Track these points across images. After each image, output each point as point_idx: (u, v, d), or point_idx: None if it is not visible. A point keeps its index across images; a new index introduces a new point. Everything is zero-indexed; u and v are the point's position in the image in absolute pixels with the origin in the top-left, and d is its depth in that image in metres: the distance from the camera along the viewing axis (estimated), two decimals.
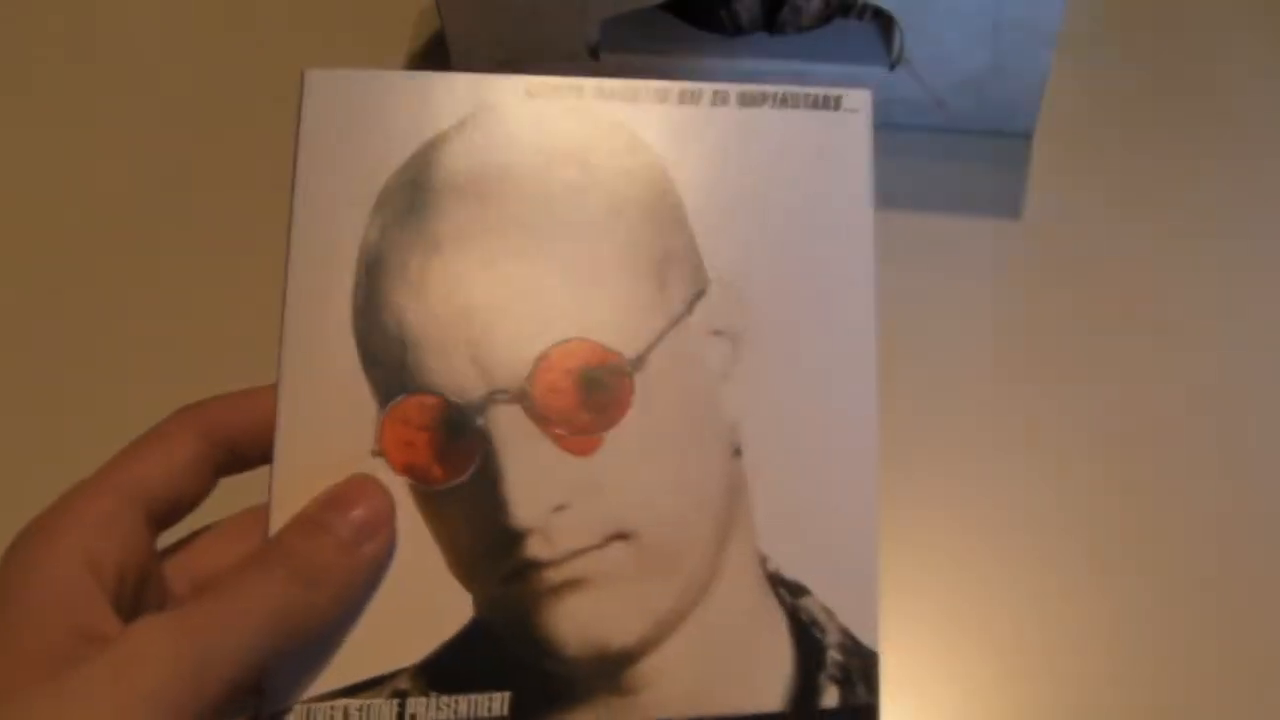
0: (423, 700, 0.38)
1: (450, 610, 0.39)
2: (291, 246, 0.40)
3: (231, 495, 0.40)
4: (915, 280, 0.66)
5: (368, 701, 0.38)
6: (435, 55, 0.74)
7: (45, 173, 0.72)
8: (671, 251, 0.40)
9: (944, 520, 0.59)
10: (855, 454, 0.41)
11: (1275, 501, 0.60)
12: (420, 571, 0.38)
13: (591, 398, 0.39)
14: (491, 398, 0.39)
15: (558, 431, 0.39)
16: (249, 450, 0.39)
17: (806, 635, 0.40)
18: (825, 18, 0.71)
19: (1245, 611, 0.57)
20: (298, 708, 0.38)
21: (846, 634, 0.40)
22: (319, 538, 0.37)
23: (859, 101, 0.42)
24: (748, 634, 0.40)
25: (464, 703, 0.38)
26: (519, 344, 0.39)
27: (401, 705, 0.38)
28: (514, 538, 0.39)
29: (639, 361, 0.40)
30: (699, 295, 0.40)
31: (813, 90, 0.42)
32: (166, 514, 0.38)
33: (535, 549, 0.39)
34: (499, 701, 0.38)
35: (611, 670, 0.39)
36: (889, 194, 0.67)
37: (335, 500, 0.38)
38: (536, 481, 0.39)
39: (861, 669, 0.40)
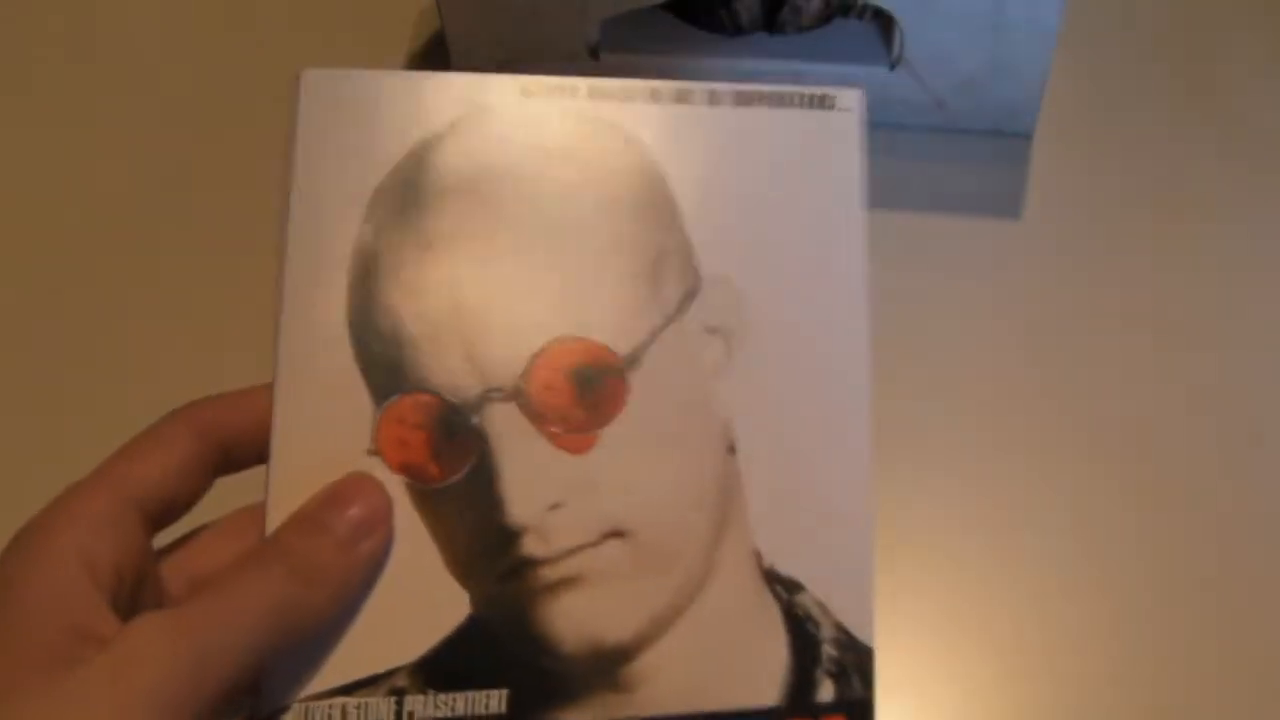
0: (420, 698, 0.38)
1: (447, 608, 0.39)
2: (286, 246, 0.40)
3: (228, 495, 0.40)
4: (915, 280, 0.66)
5: (365, 700, 0.38)
6: (435, 55, 0.74)
7: (45, 173, 0.72)
8: (665, 250, 0.41)
9: (944, 520, 0.59)
10: (849, 450, 0.41)
11: (1275, 501, 0.60)
12: (417, 570, 0.39)
13: (586, 396, 0.39)
14: (487, 396, 0.39)
15: (553, 430, 0.39)
16: (245, 450, 0.39)
17: (802, 630, 0.40)
18: (825, 18, 0.71)
19: (1245, 611, 0.57)
20: (295, 706, 0.38)
21: (841, 629, 0.40)
22: (316, 536, 0.37)
23: (851, 101, 0.42)
24: (743, 630, 0.40)
25: (461, 700, 0.38)
26: (514, 342, 0.40)
27: (399, 703, 0.38)
28: (510, 536, 0.39)
29: (633, 359, 0.40)
30: (692, 293, 0.40)
31: (805, 89, 0.42)
32: (163, 514, 0.38)
33: (531, 547, 0.39)
34: (496, 699, 0.38)
35: (608, 667, 0.39)
36: (889, 194, 0.68)
37: (332, 498, 0.38)
38: (532, 479, 0.39)
39: (856, 664, 0.40)
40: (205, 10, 0.79)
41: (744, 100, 0.42)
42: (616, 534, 0.39)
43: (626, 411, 0.40)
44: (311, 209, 0.40)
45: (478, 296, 0.40)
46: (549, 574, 0.39)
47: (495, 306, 0.40)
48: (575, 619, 0.39)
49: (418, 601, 0.38)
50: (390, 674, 0.38)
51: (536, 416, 0.39)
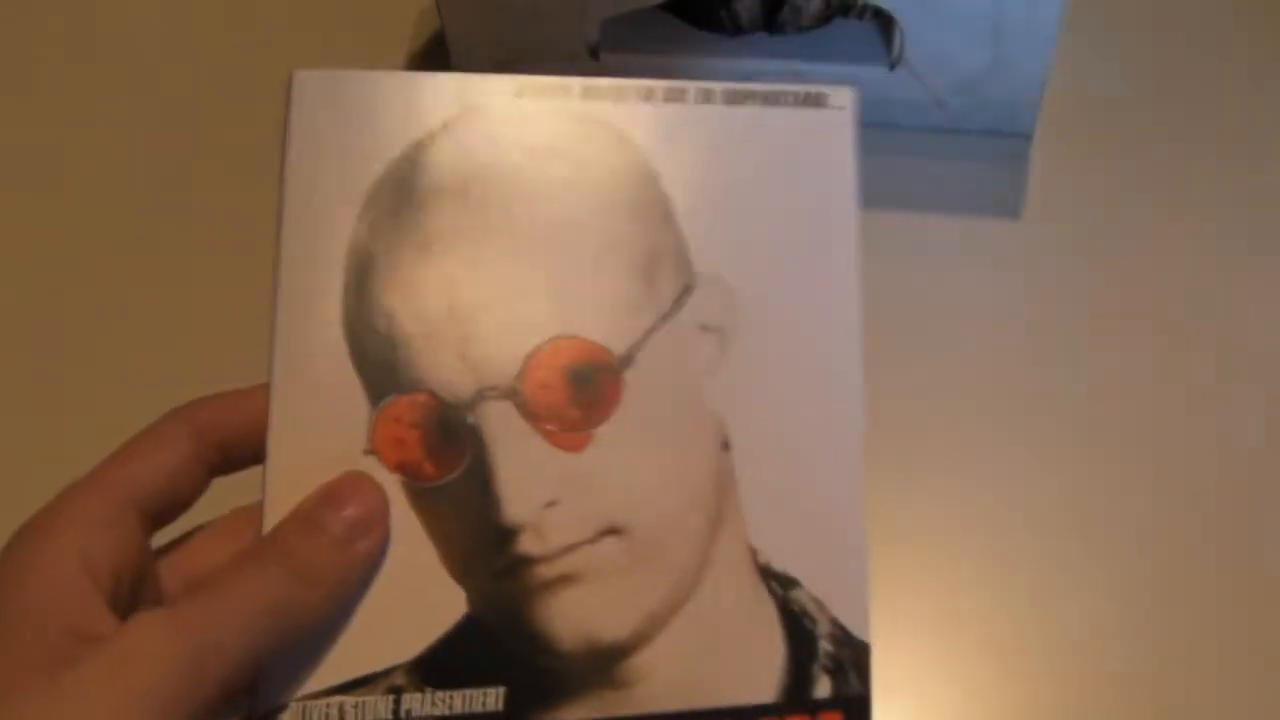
0: (418, 696, 0.38)
1: (444, 607, 0.39)
2: (281, 247, 0.40)
3: (225, 495, 0.40)
4: (915, 280, 0.66)
5: (363, 698, 0.38)
6: (435, 55, 0.74)
7: (45, 173, 0.72)
8: (659, 248, 0.41)
9: (944, 519, 0.59)
10: (843, 446, 0.41)
11: (1275, 501, 0.60)
12: (413, 568, 0.39)
13: (581, 394, 0.40)
14: (482, 395, 0.39)
15: (548, 428, 0.39)
16: (242, 450, 0.39)
17: (798, 626, 0.40)
18: (825, 18, 0.71)
19: (1245, 611, 0.57)
20: (293, 705, 0.38)
21: (837, 625, 0.40)
22: (313, 535, 0.37)
23: (844, 99, 0.42)
24: (739, 626, 0.40)
25: (459, 698, 0.38)
26: (509, 341, 0.40)
27: (397, 702, 0.38)
28: (506, 534, 0.39)
29: (628, 358, 0.40)
30: (686, 291, 0.41)
31: (798, 88, 0.42)
32: (160, 514, 0.38)
33: (527, 545, 0.39)
34: (494, 697, 0.38)
35: (605, 664, 0.39)
36: (889, 194, 0.68)
37: (329, 497, 0.38)
38: (528, 478, 0.39)
39: (853, 659, 0.40)
40: (205, 10, 0.79)
41: (736, 99, 0.42)
42: (612, 531, 0.39)
43: (621, 409, 0.40)
44: (305, 210, 0.40)
45: (473, 296, 0.40)
46: (545, 572, 0.39)
47: (490, 306, 0.40)
48: (572, 616, 0.39)
49: (414, 600, 0.38)
50: (387, 672, 0.38)
51: (532, 415, 0.39)
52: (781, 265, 0.41)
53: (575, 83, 0.41)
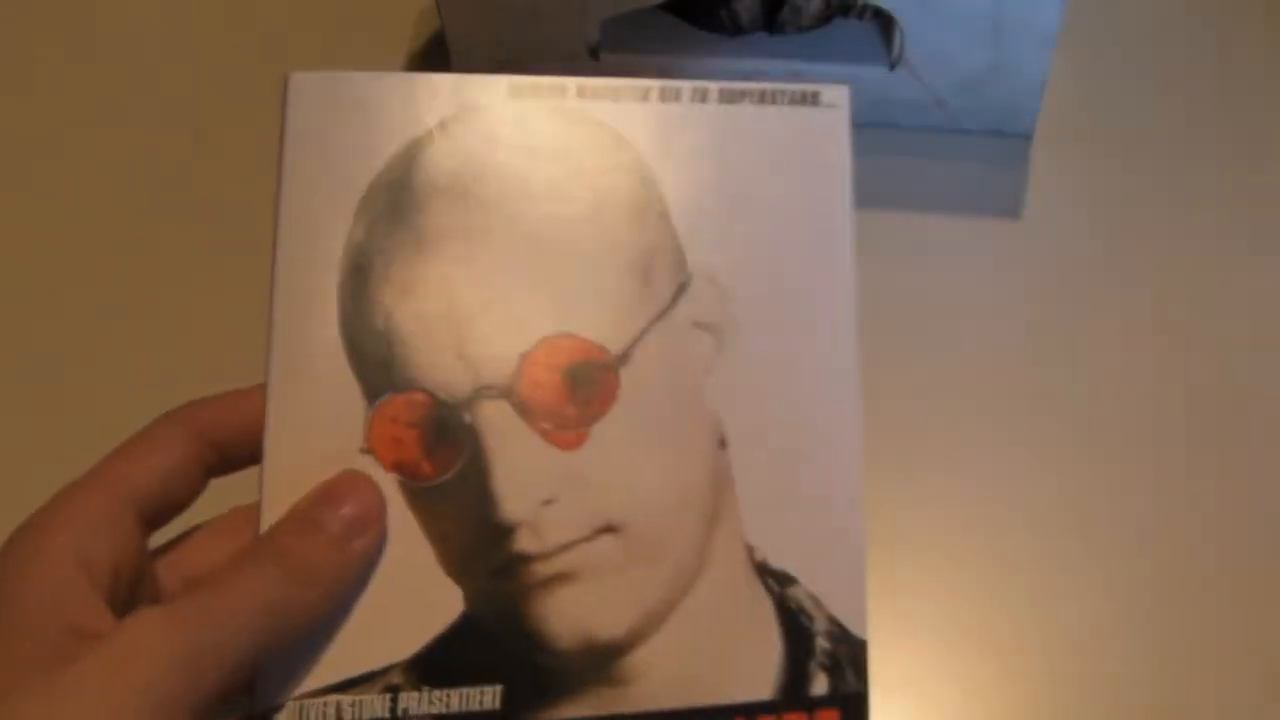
0: (415, 695, 0.38)
1: (441, 605, 0.39)
2: (278, 248, 0.40)
3: (222, 495, 0.40)
4: (915, 280, 0.66)
5: (360, 697, 0.38)
6: (435, 55, 0.74)
7: (45, 173, 0.72)
8: (654, 247, 0.41)
9: (944, 520, 0.59)
10: (839, 443, 0.41)
11: (1275, 501, 0.60)
12: (410, 567, 0.39)
13: (577, 392, 0.40)
14: (478, 394, 0.39)
15: (544, 426, 0.39)
16: (239, 451, 0.39)
17: (795, 624, 0.40)
18: (825, 18, 0.71)
19: (1245, 611, 0.57)
20: (290, 704, 0.38)
21: (834, 622, 0.40)
22: (310, 534, 0.37)
23: (838, 97, 0.42)
24: (736, 623, 0.40)
25: (456, 697, 0.38)
26: (505, 341, 0.40)
27: (393, 700, 0.38)
28: (503, 532, 0.39)
29: (624, 356, 0.40)
30: (682, 289, 0.41)
31: (791, 86, 0.42)
32: (158, 513, 0.38)
33: (524, 543, 0.39)
34: (490, 695, 0.38)
35: (602, 662, 0.39)
36: (889, 194, 0.68)
37: (326, 496, 0.38)
38: (524, 476, 0.39)
39: (850, 657, 0.40)
40: (205, 10, 0.79)
41: (731, 97, 0.42)
42: (609, 529, 0.39)
43: (617, 407, 0.40)
44: (302, 210, 0.40)
45: (469, 295, 0.40)
46: (542, 570, 0.39)
47: (486, 305, 0.40)
48: (568, 614, 0.39)
49: (411, 599, 0.38)
50: (385, 671, 0.38)
51: (528, 414, 0.39)
52: (777, 263, 0.41)
53: (571, 82, 0.41)
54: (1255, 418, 0.62)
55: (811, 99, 0.42)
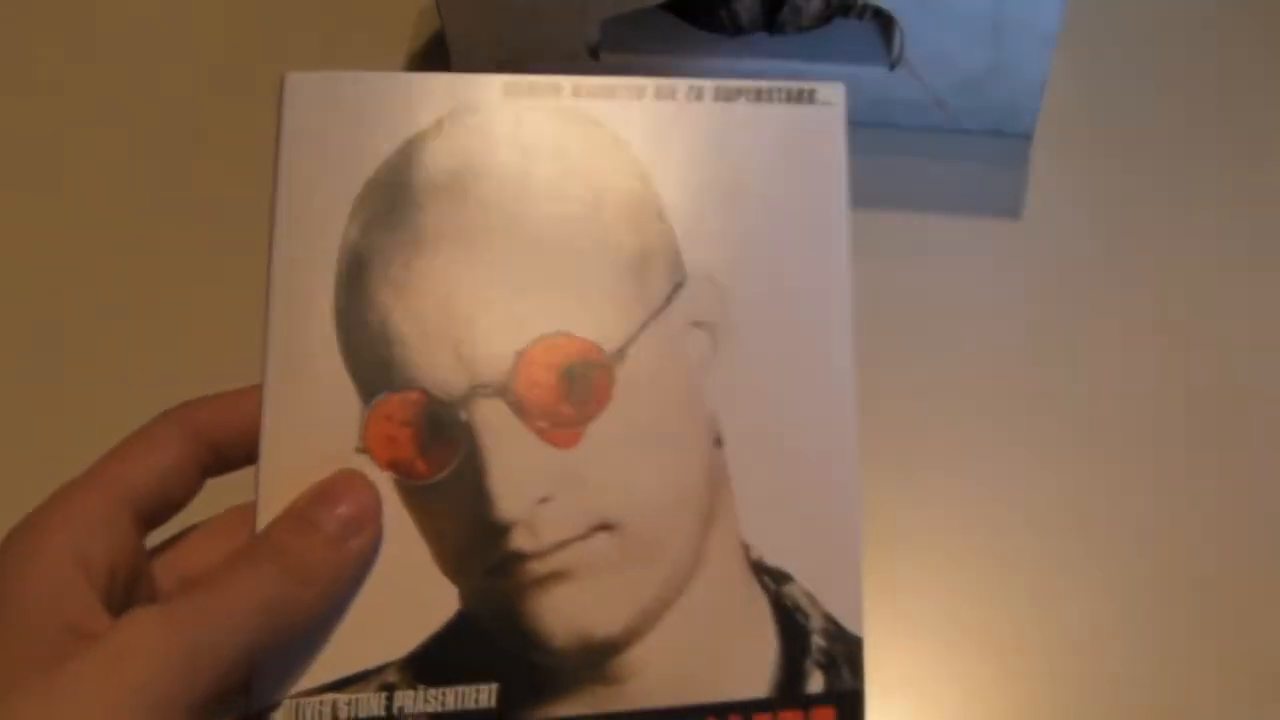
0: (410, 693, 0.38)
1: (437, 603, 0.39)
2: (274, 247, 0.40)
3: (219, 495, 0.40)
4: (915, 280, 0.66)
5: (355, 695, 0.38)
6: (435, 55, 0.74)
7: (45, 172, 0.72)
8: (650, 246, 0.41)
9: (944, 520, 0.59)
10: (836, 441, 0.41)
11: (1275, 501, 0.59)
12: (406, 566, 0.39)
13: (573, 391, 0.40)
14: (474, 392, 0.39)
15: (540, 425, 0.39)
16: (235, 450, 0.40)
17: (791, 622, 0.40)
18: (825, 18, 0.71)
19: (1245, 611, 0.57)
20: (286, 703, 0.38)
21: (830, 620, 0.40)
22: (306, 533, 0.37)
23: (833, 94, 0.42)
24: (732, 621, 0.40)
25: (452, 695, 0.38)
26: (500, 339, 0.40)
27: (389, 698, 0.38)
28: (499, 530, 0.39)
29: (619, 355, 0.40)
30: (678, 288, 0.41)
31: (787, 84, 0.42)
32: (155, 513, 0.38)
33: (520, 541, 0.39)
34: (486, 693, 0.38)
35: (598, 660, 0.39)
36: (889, 194, 0.68)
37: (322, 495, 0.38)
38: (520, 474, 0.39)
39: (846, 654, 0.40)
40: (205, 10, 0.79)
41: (726, 95, 0.42)
42: (605, 527, 0.39)
43: (613, 406, 0.40)
44: (298, 210, 0.40)
45: (465, 294, 0.40)
46: (538, 568, 0.39)
47: (482, 304, 0.40)
48: (564, 613, 0.39)
49: (407, 597, 0.38)
50: (380, 670, 0.38)
51: (524, 412, 0.39)
52: (773, 261, 0.41)
53: (566, 81, 0.41)
54: (1255, 418, 0.62)
55: (807, 96, 0.42)
